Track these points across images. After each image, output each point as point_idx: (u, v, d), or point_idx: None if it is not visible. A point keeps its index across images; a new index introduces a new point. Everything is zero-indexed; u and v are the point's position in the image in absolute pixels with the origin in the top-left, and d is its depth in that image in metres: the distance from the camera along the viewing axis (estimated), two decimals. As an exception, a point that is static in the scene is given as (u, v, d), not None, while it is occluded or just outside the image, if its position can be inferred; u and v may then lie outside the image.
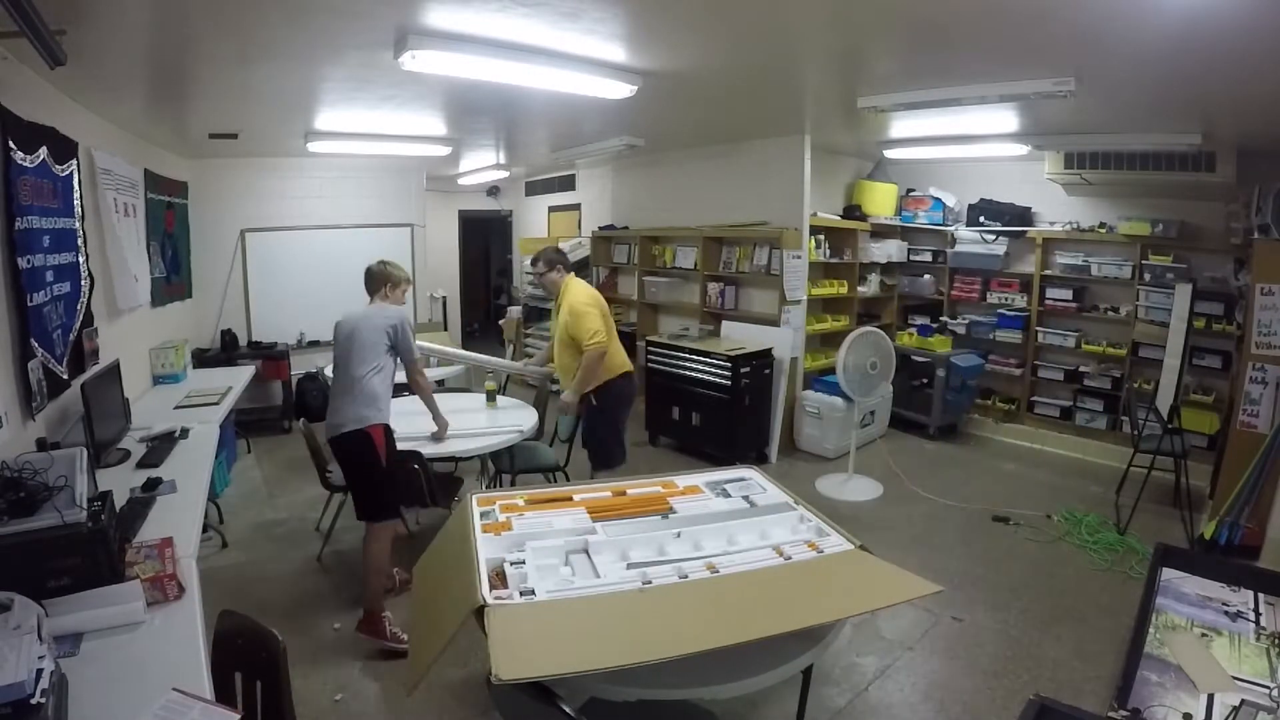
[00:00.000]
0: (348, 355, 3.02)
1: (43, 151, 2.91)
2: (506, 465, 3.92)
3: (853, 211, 6.25)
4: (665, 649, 1.50)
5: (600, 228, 7.39)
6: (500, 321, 8.80)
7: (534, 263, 3.85)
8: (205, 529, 3.41)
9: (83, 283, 3.39)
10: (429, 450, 3.33)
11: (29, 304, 2.67)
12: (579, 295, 3.74)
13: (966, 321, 6.18)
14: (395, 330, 3.10)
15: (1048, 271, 5.72)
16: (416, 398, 3.42)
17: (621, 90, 3.34)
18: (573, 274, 3.91)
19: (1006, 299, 5.94)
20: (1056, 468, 5.36)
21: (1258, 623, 1.81)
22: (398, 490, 3.06)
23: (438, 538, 2.30)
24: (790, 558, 2.00)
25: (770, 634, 1.59)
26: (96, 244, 3.66)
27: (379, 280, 3.24)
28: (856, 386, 4.85)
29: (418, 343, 3.30)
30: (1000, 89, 3.22)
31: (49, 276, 2.94)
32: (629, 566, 1.93)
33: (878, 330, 4.91)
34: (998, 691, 2.69)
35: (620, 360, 3.81)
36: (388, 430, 3.00)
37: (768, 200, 5.63)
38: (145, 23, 2.48)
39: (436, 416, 3.44)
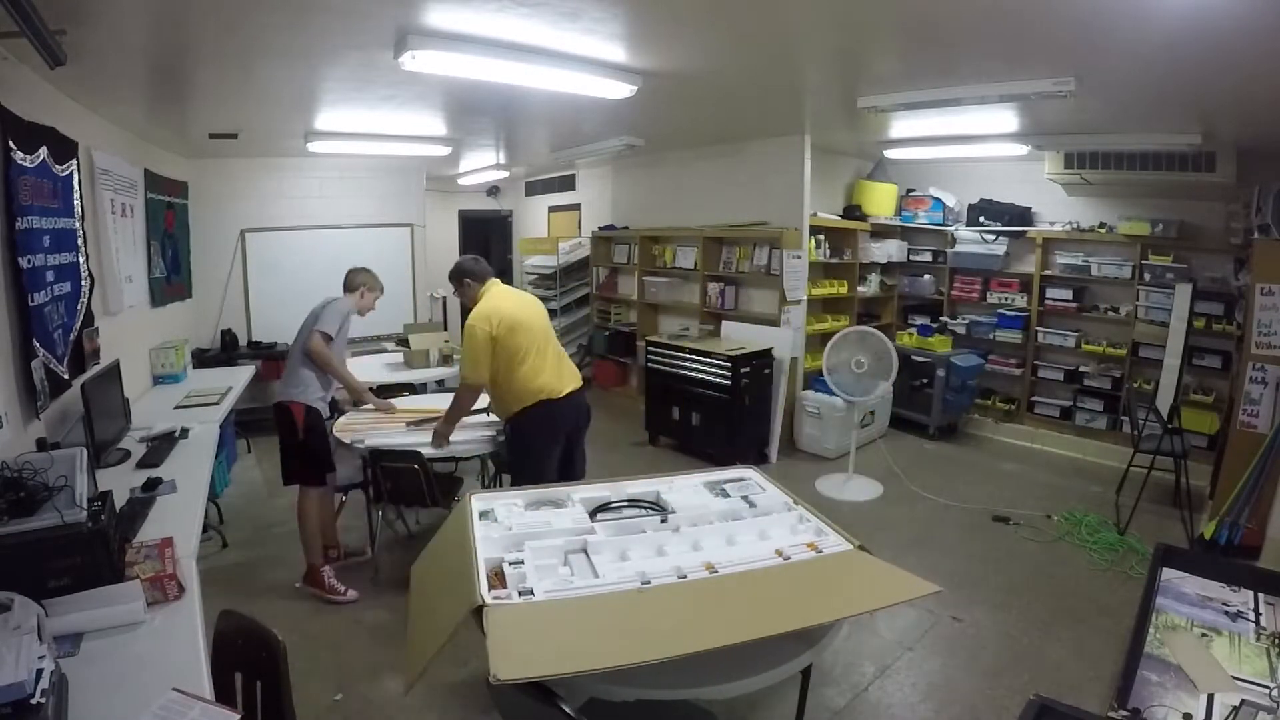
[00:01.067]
0: (295, 338, 3.49)
1: (43, 151, 2.92)
2: (507, 465, 3.91)
3: (853, 211, 6.26)
4: (664, 649, 1.50)
5: (600, 228, 7.39)
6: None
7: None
8: (205, 529, 3.42)
9: (83, 283, 3.39)
10: (429, 451, 3.33)
11: (30, 304, 2.68)
12: (477, 309, 3.23)
13: (966, 321, 6.18)
14: (317, 311, 3.42)
15: (1048, 271, 5.72)
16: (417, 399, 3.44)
17: (621, 90, 3.34)
18: (495, 281, 3.36)
19: (1006, 299, 5.94)
20: (1056, 468, 5.36)
21: (1258, 623, 1.81)
22: (311, 463, 3.38)
23: (436, 537, 2.30)
24: (789, 558, 2.00)
25: (769, 634, 1.59)
26: (96, 244, 3.66)
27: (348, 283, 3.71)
28: (848, 387, 4.85)
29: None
30: (1000, 89, 3.23)
31: (50, 276, 2.94)
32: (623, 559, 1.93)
33: (868, 329, 4.90)
34: (998, 691, 2.69)
35: (539, 384, 3.17)
36: (309, 410, 3.33)
37: (768, 200, 5.63)
38: (145, 23, 2.48)
39: (352, 389, 3.70)
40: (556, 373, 3.24)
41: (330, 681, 2.72)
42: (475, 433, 3.68)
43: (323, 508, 3.52)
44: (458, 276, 3.39)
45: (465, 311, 3.42)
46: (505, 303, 3.23)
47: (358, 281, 3.68)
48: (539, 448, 3.23)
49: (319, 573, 3.37)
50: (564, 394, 3.22)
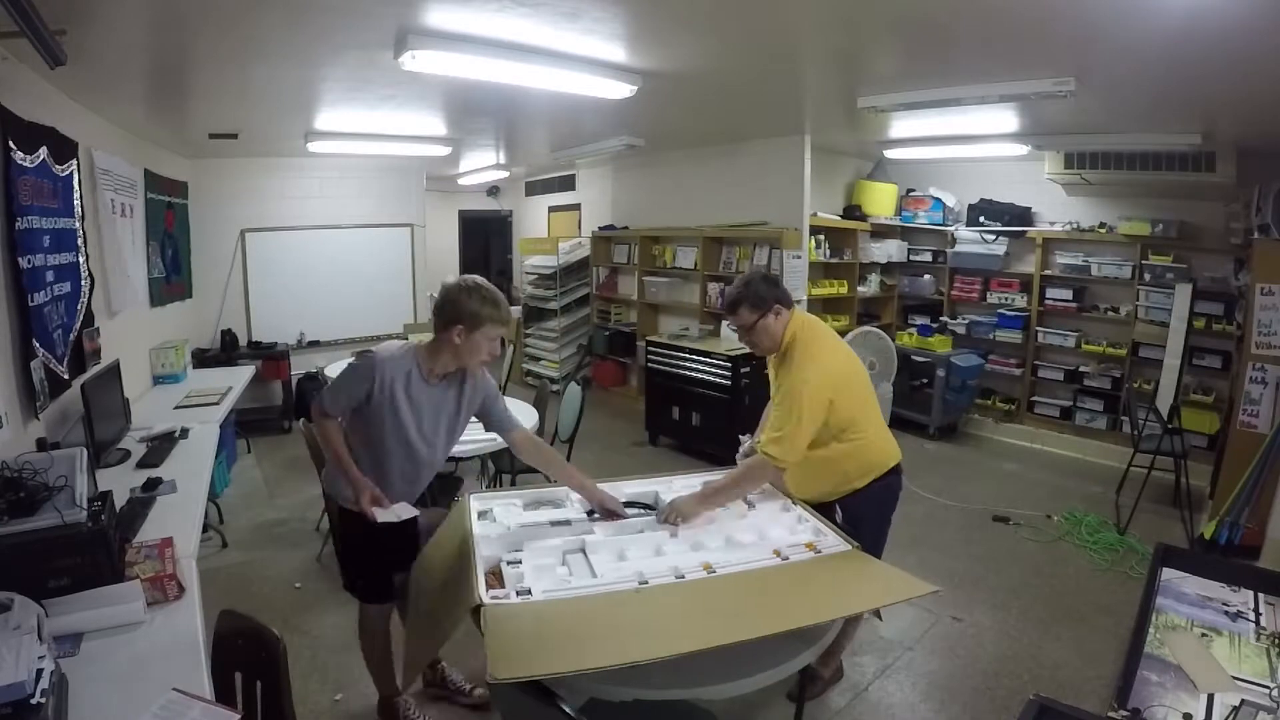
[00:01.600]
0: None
1: (43, 151, 2.92)
2: (506, 465, 3.91)
3: (853, 211, 6.26)
4: (661, 648, 1.50)
5: (600, 228, 7.39)
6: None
7: (731, 308, 2.37)
8: (205, 529, 3.42)
9: (83, 283, 3.39)
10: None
11: (30, 304, 2.68)
12: (809, 357, 2.27)
13: (966, 321, 6.18)
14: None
15: (1048, 271, 5.72)
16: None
17: (621, 90, 3.34)
18: (796, 309, 2.42)
19: (1006, 299, 5.94)
20: (1056, 468, 5.36)
21: (1258, 623, 1.81)
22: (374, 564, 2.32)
23: (435, 536, 2.30)
24: (788, 558, 2.00)
25: (766, 633, 1.59)
26: (96, 244, 3.66)
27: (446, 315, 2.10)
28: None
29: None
30: (1000, 89, 3.22)
31: (49, 276, 2.94)
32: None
33: (877, 330, 4.91)
34: (998, 691, 2.69)
35: (887, 451, 2.43)
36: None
37: (768, 200, 5.63)
38: (145, 23, 2.48)
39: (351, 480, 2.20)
40: (889, 438, 2.49)
41: (330, 681, 2.72)
42: (476, 433, 3.68)
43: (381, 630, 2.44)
44: (758, 300, 2.30)
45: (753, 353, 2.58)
46: (839, 349, 2.41)
47: (481, 314, 2.09)
48: (883, 529, 2.46)
49: (392, 705, 2.46)
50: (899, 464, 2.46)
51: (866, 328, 4.98)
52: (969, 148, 5.12)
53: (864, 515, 2.39)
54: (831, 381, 2.24)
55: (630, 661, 1.46)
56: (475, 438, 3.58)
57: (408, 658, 2.21)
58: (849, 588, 1.92)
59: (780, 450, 2.19)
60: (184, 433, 3.42)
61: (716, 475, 2.71)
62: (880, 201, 6.32)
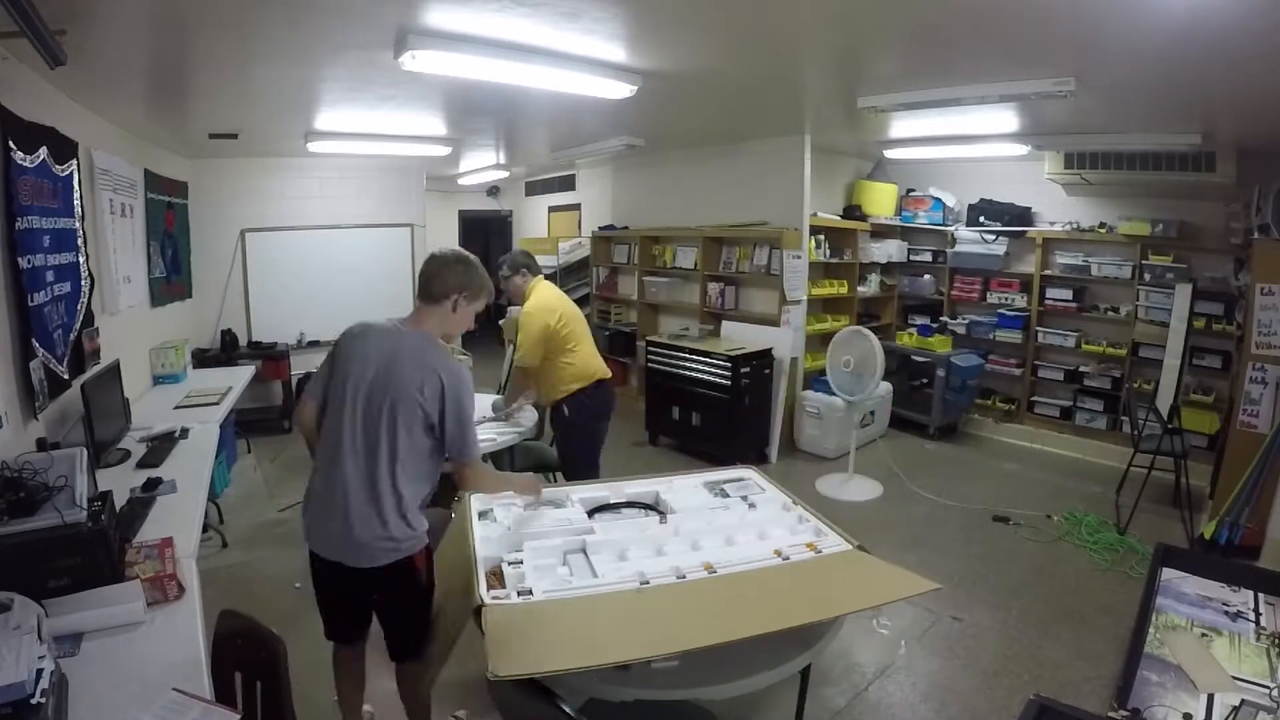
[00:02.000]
0: (376, 411, 1.90)
1: (43, 151, 2.91)
2: (507, 465, 3.91)
3: (853, 211, 6.26)
4: (661, 646, 1.50)
5: (600, 228, 7.39)
6: (500, 321, 8.79)
7: (498, 266, 3.52)
8: (205, 529, 3.42)
9: (83, 283, 3.39)
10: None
11: (30, 304, 2.68)
12: (531, 301, 3.53)
13: (966, 321, 6.18)
14: (443, 393, 1.91)
15: (1048, 271, 5.72)
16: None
17: (621, 90, 3.34)
18: (540, 277, 3.70)
19: (1006, 299, 5.94)
20: (1056, 468, 5.36)
21: (1258, 623, 1.81)
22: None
23: (445, 539, 2.30)
24: (788, 558, 2.00)
25: (766, 631, 1.59)
26: (95, 244, 3.66)
27: (451, 283, 2.04)
28: (847, 386, 4.87)
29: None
30: (1000, 89, 3.22)
31: (49, 276, 2.94)
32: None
33: (859, 329, 4.93)
34: (998, 691, 2.69)
35: (593, 366, 3.55)
36: (428, 549, 2.03)
37: (768, 200, 5.63)
38: (145, 22, 2.48)
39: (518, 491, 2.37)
40: (598, 359, 3.63)
41: (330, 681, 2.71)
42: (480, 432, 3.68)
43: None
44: (516, 266, 3.60)
45: (500, 299, 3.71)
46: (557, 299, 3.59)
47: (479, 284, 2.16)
48: (596, 429, 3.59)
49: None
50: (606, 378, 3.60)
51: (854, 327, 4.99)
52: (969, 148, 5.12)
53: (573, 422, 3.51)
54: (544, 314, 3.42)
55: (630, 659, 1.46)
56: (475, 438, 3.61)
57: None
58: (850, 586, 1.92)
59: (521, 355, 3.43)
60: (184, 433, 3.41)
61: (717, 475, 2.72)
62: (880, 201, 6.32)
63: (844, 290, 6.16)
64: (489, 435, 3.63)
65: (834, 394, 5.04)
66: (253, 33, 2.61)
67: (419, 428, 1.89)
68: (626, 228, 7.14)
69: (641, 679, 1.61)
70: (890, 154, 5.85)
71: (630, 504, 2.41)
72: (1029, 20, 2.38)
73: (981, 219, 5.94)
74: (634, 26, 2.63)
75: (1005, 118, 4.12)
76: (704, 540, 2.11)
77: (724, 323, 5.93)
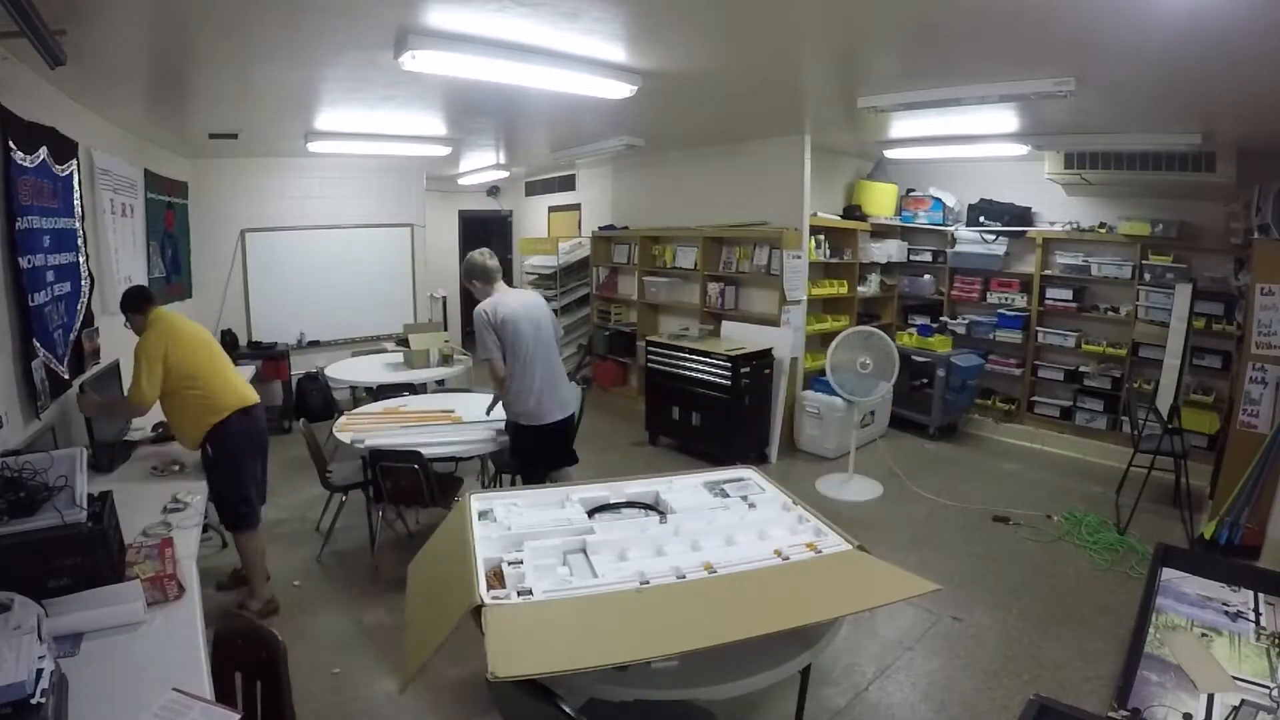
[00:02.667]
0: (549, 343, 3.47)
1: (43, 151, 2.92)
2: (507, 465, 3.91)
3: (853, 211, 6.26)
4: (661, 647, 1.50)
5: (600, 228, 7.39)
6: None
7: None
8: (205, 529, 3.41)
9: (83, 283, 3.39)
10: (429, 450, 3.33)
11: (30, 304, 2.68)
12: (151, 332, 2.94)
13: (966, 321, 6.18)
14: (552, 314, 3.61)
15: (1048, 271, 5.72)
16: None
17: (621, 90, 3.34)
18: (160, 309, 3.07)
19: (1006, 299, 5.94)
20: (1056, 468, 5.36)
21: (1258, 623, 1.81)
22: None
23: (433, 536, 2.30)
24: (788, 558, 2.00)
25: (767, 631, 1.59)
26: (96, 244, 3.66)
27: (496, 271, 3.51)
28: (851, 386, 4.86)
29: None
30: (1000, 89, 3.22)
31: (50, 276, 2.94)
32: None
33: (872, 329, 4.90)
34: (998, 691, 2.69)
35: (233, 397, 3.04)
36: None
37: (768, 200, 5.63)
38: (145, 23, 2.48)
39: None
40: (238, 384, 3.18)
41: (330, 682, 2.72)
42: (476, 433, 3.69)
43: None
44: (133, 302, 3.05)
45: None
46: (167, 327, 3.02)
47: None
48: (246, 466, 3.09)
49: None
50: (250, 406, 3.14)
51: (868, 327, 4.97)
52: (969, 148, 5.12)
53: (219, 453, 2.97)
54: (163, 343, 2.90)
55: (631, 660, 1.46)
56: (476, 437, 3.62)
57: (406, 657, 2.20)
58: (850, 587, 1.92)
59: (132, 392, 2.88)
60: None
61: (717, 475, 2.71)
62: (880, 201, 6.32)
63: (844, 290, 6.16)
64: (489, 435, 3.64)
65: (834, 394, 5.04)
66: (253, 33, 2.61)
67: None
68: (626, 228, 7.14)
69: (641, 679, 1.60)
70: (890, 154, 5.85)
71: (630, 504, 2.41)
72: (1029, 20, 2.38)
73: (981, 219, 5.94)
74: (634, 26, 2.63)
75: (1005, 118, 4.12)
76: (704, 540, 2.11)
77: (724, 323, 5.93)
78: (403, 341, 5.75)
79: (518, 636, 1.57)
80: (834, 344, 4.87)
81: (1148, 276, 5.17)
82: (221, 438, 2.97)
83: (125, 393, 3.02)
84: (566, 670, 1.47)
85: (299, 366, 6.28)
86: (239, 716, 1.39)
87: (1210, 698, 1.51)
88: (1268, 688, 1.54)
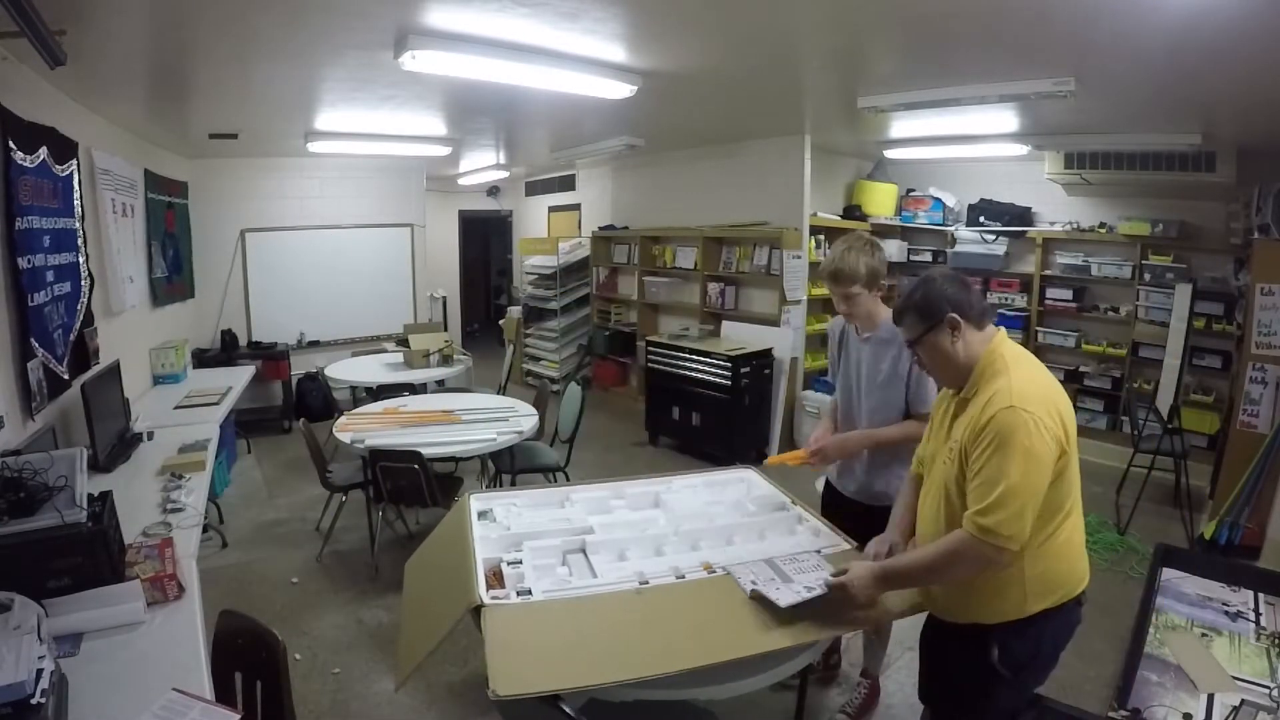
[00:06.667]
0: (891, 382, 2.18)
1: (43, 151, 2.92)
2: (507, 465, 3.91)
3: (853, 211, 6.25)
4: (664, 664, 1.50)
5: (600, 228, 7.39)
6: (500, 321, 8.81)
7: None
8: (205, 529, 3.41)
9: (83, 283, 3.39)
10: (429, 450, 3.33)
11: (29, 304, 2.68)
12: (1018, 387, 1.57)
13: (966, 321, 6.17)
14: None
15: (1048, 271, 5.71)
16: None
17: (621, 90, 3.34)
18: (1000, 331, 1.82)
19: (1006, 299, 5.93)
20: (1056, 468, 5.34)
21: (1258, 623, 1.81)
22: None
23: (432, 535, 2.30)
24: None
25: (769, 649, 1.58)
26: (96, 244, 3.66)
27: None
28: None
29: None
30: (1000, 89, 3.22)
31: (49, 276, 2.94)
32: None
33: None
34: (997, 691, 2.68)
35: (1080, 568, 1.62)
36: None
37: (768, 200, 5.63)
38: (145, 23, 2.48)
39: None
40: (1082, 552, 1.66)
41: (330, 681, 2.72)
42: (476, 433, 3.69)
43: None
44: (933, 312, 1.71)
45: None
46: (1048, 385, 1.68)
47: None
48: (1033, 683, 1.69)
49: None
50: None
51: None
52: (969, 148, 5.12)
53: (1028, 662, 1.58)
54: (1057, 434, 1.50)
55: (633, 678, 1.46)
56: (475, 437, 3.62)
57: (402, 657, 2.20)
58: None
59: (998, 522, 1.40)
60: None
61: (717, 475, 2.70)
62: (880, 201, 6.32)
63: (844, 290, 6.15)
64: (488, 435, 3.64)
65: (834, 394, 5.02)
66: (253, 33, 2.61)
67: None
68: (626, 228, 7.14)
69: (641, 680, 1.60)
70: (890, 154, 5.85)
71: (630, 504, 2.40)
72: (1029, 20, 2.38)
73: (981, 219, 5.94)
74: (634, 26, 2.63)
75: (1005, 118, 4.12)
76: (704, 540, 2.10)
77: (724, 323, 5.93)
78: (403, 342, 5.75)
79: (518, 651, 1.55)
80: None
81: (1148, 276, 5.17)
82: None
83: None
84: (568, 689, 1.46)
85: (299, 366, 6.28)
86: (239, 716, 1.39)
87: (1210, 698, 1.51)
88: (1268, 688, 1.54)
